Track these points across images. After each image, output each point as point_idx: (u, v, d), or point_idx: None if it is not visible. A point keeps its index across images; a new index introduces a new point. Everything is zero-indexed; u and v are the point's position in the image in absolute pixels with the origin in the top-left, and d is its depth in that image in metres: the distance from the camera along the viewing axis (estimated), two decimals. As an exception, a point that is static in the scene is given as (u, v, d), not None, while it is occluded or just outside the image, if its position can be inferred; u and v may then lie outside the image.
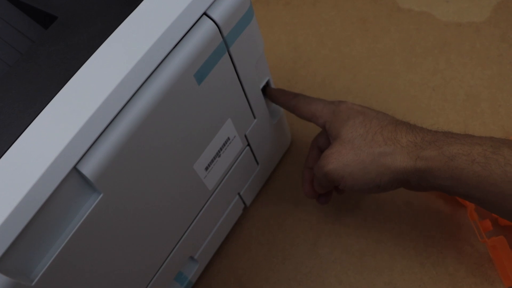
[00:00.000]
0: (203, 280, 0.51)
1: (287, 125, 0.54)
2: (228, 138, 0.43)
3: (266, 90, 0.47)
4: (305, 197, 0.53)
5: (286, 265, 0.51)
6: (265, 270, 0.51)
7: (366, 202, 0.52)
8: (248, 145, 0.47)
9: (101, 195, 0.32)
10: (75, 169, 0.30)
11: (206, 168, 0.42)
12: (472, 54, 0.59)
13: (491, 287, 0.45)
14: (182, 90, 0.34)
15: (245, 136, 0.46)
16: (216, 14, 0.35)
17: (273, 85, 0.48)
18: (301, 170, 0.55)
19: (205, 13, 0.35)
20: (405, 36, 0.62)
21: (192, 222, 0.44)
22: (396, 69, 0.60)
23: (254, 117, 0.46)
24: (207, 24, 0.35)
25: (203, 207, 0.45)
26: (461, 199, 0.49)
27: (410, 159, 0.36)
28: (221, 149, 0.43)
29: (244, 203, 0.52)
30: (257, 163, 0.51)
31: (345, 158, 0.39)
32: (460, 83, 0.57)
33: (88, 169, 0.30)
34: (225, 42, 0.37)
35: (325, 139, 0.45)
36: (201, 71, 0.35)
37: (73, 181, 0.31)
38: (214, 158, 0.42)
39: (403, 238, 0.49)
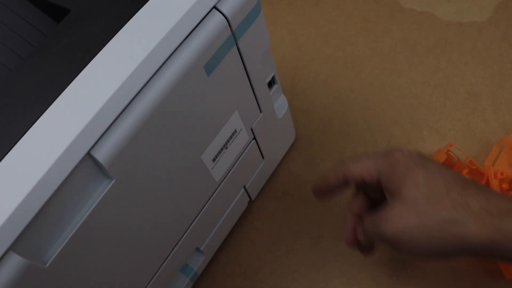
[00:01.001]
0: (208, 273, 0.52)
1: (292, 121, 0.55)
2: (235, 131, 0.44)
3: (313, 191, 0.44)
4: (310, 192, 0.54)
5: (290, 257, 0.51)
6: (270, 263, 0.51)
7: (369, 197, 0.53)
8: (254, 138, 0.48)
9: (113, 181, 0.33)
10: (88, 154, 0.31)
11: (214, 160, 0.43)
12: (473, 53, 0.60)
13: (491, 280, 0.46)
14: (192, 81, 0.35)
15: (251, 129, 0.47)
16: (225, 7, 0.36)
17: (278, 81, 0.49)
18: (304, 166, 0.56)
19: (214, 7, 0.36)
20: (406, 35, 0.63)
21: (199, 213, 0.45)
22: (398, 68, 0.61)
23: (260, 111, 0.47)
24: (216, 17, 0.36)
25: (210, 198, 0.45)
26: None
27: (485, 230, 0.32)
28: (228, 141, 0.44)
29: (249, 196, 0.53)
30: (263, 157, 0.51)
31: (407, 222, 0.34)
32: (461, 82, 0.58)
33: (102, 154, 0.31)
34: (233, 35, 0.38)
35: (375, 188, 0.39)
36: (210, 63, 0.36)
37: (86, 167, 0.32)
38: (221, 149, 0.43)
39: (406, 231, 0.50)
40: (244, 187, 0.51)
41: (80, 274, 0.35)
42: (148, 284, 0.44)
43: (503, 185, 0.49)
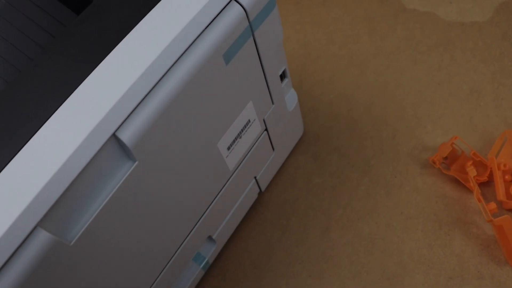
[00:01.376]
0: (219, 262, 0.53)
1: (301, 115, 0.56)
2: (249, 121, 0.45)
3: None
4: (318, 185, 0.56)
5: (299, 247, 0.53)
6: (279, 253, 0.53)
7: (375, 189, 0.54)
8: (266, 130, 0.49)
9: (136, 163, 0.34)
10: (114, 136, 0.33)
11: (228, 148, 0.44)
12: (475, 52, 0.62)
13: (497, 267, 0.48)
14: (212, 68, 0.37)
15: (264, 120, 0.48)
16: (244, -1, 0.37)
17: (289, 75, 0.50)
18: (312, 159, 0.58)
19: (234, -2, 0.37)
20: (410, 34, 0.65)
21: (213, 200, 0.46)
22: (402, 66, 0.63)
23: (273, 103, 0.48)
24: (235, 8, 0.37)
25: (223, 186, 0.47)
26: (468, 184, 0.51)
27: None
28: (242, 130, 0.45)
29: (259, 187, 0.54)
30: (273, 149, 0.53)
31: None
32: (464, 79, 0.60)
33: (126, 136, 0.33)
34: (250, 26, 0.39)
35: None
36: (229, 52, 0.38)
37: (111, 148, 0.33)
38: (236, 139, 0.45)
39: (412, 222, 0.52)
40: (255, 178, 0.52)
41: (101, 254, 0.36)
42: (162, 271, 0.45)
43: (506, 176, 0.50)
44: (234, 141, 0.45)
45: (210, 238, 0.50)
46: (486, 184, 0.52)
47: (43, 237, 0.31)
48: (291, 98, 0.53)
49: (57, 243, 0.32)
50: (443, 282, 0.48)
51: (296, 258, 0.52)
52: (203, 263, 0.50)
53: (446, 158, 0.54)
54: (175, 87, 0.34)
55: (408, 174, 0.55)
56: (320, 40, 0.67)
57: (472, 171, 0.49)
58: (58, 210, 0.32)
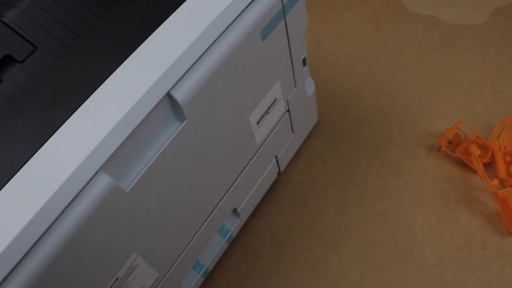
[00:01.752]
0: (241, 237, 0.56)
1: (316, 103, 0.61)
2: (276, 99, 0.50)
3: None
4: (332, 167, 0.60)
5: (317, 223, 0.56)
6: (298, 228, 0.56)
7: (386, 171, 0.58)
8: (288, 111, 0.54)
9: (185, 121, 0.38)
10: (168, 94, 0.36)
11: (258, 122, 0.48)
12: (474, 51, 0.67)
13: (501, 238, 0.52)
14: (251, 41, 0.41)
15: (287, 102, 0.52)
16: (279, -17, 0.42)
17: (308, 62, 0.54)
18: (327, 144, 0.62)
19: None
20: (413, 35, 0.70)
21: (242, 172, 0.50)
22: (407, 62, 0.68)
23: (295, 85, 0.53)
24: (272, -10, 0.42)
25: (251, 160, 0.50)
26: (471, 165, 0.56)
27: None
28: (269, 107, 0.49)
29: (278, 168, 0.58)
30: (292, 131, 0.57)
31: None
32: (464, 74, 0.65)
33: (180, 95, 0.36)
34: (283, 9, 0.44)
35: None
36: (265, 30, 0.42)
37: (165, 105, 0.37)
38: (264, 114, 0.49)
39: (421, 199, 0.56)
40: (276, 157, 0.56)
41: (149, 205, 0.39)
42: (194, 236, 0.48)
43: (506, 157, 0.55)
44: (262, 117, 0.49)
45: (234, 211, 0.53)
46: (488, 166, 0.56)
47: (104, 180, 0.34)
48: (309, 85, 0.58)
49: (115, 188, 0.35)
50: (451, 252, 0.52)
51: (314, 233, 0.56)
52: (227, 235, 0.53)
53: (450, 142, 0.58)
54: (223, 54, 0.38)
55: (416, 157, 0.59)
56: (330, 39, 0.72)
57: (476, 151, 0.54)
58: (118, 158, 0.35)
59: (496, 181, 0.52)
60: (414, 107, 0.63)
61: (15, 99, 0.38)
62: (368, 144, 0.61)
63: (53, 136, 0.34)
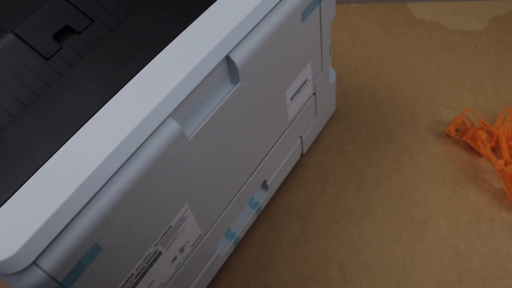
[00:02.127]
0: (268, 211, 0.60)
1: (335, 93, 0.66)
2: (306, 80, 0.55)
3: None
4: (350, 151, 0.65)
5: (338, 199, 0.61)
6: (321, 204, 0.60)
7: (400, 154, 0.63)
8: (314, 94, 0.59)
9: (239, 84, 0.43)
10: (227, 57, 0.41)
11: (291, 98, 0.53)
12: (475, 53, 0.74)
13: (507, 212, 0.57)
14: (293, 21, 0.46)
15: (315, 85, 0.57)
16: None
17: (331, 52, 0.60)
18: (344, 131, 0.67)
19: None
20: (420, 38, 0.77)
21: (274, 145, 0.54)
22: (415, 62, 0.74)
23: (322, 70, 0.58)
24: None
25: (282, 134, 0.55)
26: (478, 149, 0.61)
27: None
28: (301, 86, 0.54)
29: (302, 149, 0.62)
30: (316, 114, 0.62)
31: None
32: (467, 73, 0.72)
33: (238, 58, 0.41)
34: (319, -5, 0.49)
35: None
36: (305, 11, 0.48)
37: (223, 67, 0.41)
38: (296, 93, 0.54)
39: (433, 179, 0.61)
40: (301, 138, 0.61)
41: (205, 156, 0.43)
42: (229, 204, 0.52)
43: (510, 142, 0.61)
44: (295, 94, 0.54)
45: (264, 184, 0.57)
46: (493, 150, 0.62)
47: (172, 126, 0.38)
48: (331, 74, 0.63)
49: (181, 135, 0.39)
50: (462, 225, 0.57)
51: (336, 208, 0.60)
52: (256, 207, 0.57)
53: (458, 130, 0.64)
54: (275, 24, 0.44)
55: (426, 143, 0.64)
56: (343, 40, 0.79)
57: (483, 134, 0.60)
58: (183, 109, 0.39)
59: (502, 161, 0.58)
60: (423, 100, 0.69)
61: (75, 64, 0.42)
62: (383, 132, 0.66)
63: (124, 88, 0.38)
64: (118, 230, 0.36)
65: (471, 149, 0.63)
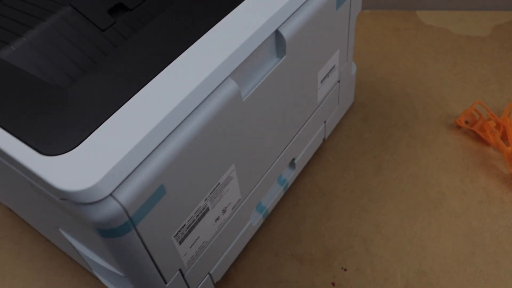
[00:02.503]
0: (293, 190, 0.64)
1: (354, 85, 0.71)
2: (334, 66, 0.60)
3: None
4: (368, 138, 0.69)
5: (358, 180, 0.65)
6: (342, 184, 0.65)
7: (414, 142, 0.68)
8: (339, 81, 0.63)
9: (285, 57, 0.47)
10: (277, 31, 0.46)
11: (321, 81, 0.58)
12: (480, 55, 0.80)
13: (511, 193, 0.62)
14: (329, 7, 0.51)
15: (340, 72, 0.62)
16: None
17: (353, 46, 0.65)
18: (361, 121, 0.72)
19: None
20: (429, 41, 0.83)
21: (304, 124, 0.59)
22: (426, 61, 0.80)
23: (346, 60, 0.63)
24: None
25: (311, 115, 0.59)
26: (487, 139, 0.66)
27: None
28: (330, 71, 0.59)
29: (324, 133, 0.67)
30: (338, 102, 0.66)
31: None
32: (474, 72, 0.77)
33: (286, 32, 0.46)
34: (350, -13, 0.55)
35: None
36: (339, 0, 0.53)
37: (273, 40, 0.46)
38: (325, 76, 0.58)
39: (445, 164, 0.65)
40: (325, 122, 0.65)
41: (254, 118, 0.47)
42: (263, 176, 0.55)
43: (516, 132, 0.66)
44: (324, 78, 0.58)
45: (292, 163, 0.62)
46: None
47: (231, 85, 0.42)
48: (353, 66, 0.68)
49: (237, 95, 0.42)
50: (474, 204, 0.61)
51: (357, 187, 0.64)
52: (284, 184, 0.61)
53: (467, 122, 0.69)
54: (316, 6, 0.48)
55: (438, 132, 0.69)
56: (358, 41, 0.84)
57: (492, 123, 0.65)
58: (241, 71, 0.43)
59: (510, 148, 0.63)
60: (434, 95, 0.74)
61: (130, 37, 0.46)
62: (398, 122, 0.71)
63: (186, 51, 0.42)
64: (179, 176, 0.40)
65: (479, 139, 0.68)
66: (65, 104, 0.38)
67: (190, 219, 0.44)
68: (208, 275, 0.53)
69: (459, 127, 0.70)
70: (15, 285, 0.60)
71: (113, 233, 0.36)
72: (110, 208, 0.35)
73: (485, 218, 0.60)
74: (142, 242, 0.39)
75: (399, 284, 0.55)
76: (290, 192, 0.65)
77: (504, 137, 0.67)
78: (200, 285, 0.52)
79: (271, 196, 0.60)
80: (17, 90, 0.40)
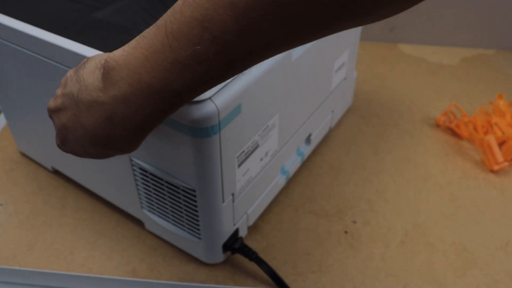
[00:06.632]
0: (307, 164, 0.77)
1: (353, 89, 0.86)
2: (344, 63, 0.75)
3: None
4: (366, 131, 0.83)
5: (360, 161, 0.78)
6: (347, 162, 0.77)
7: (403, 135, 0.83)
8: (345, 79, 0.78)
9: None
10: None
11: (336, 71, 0.72)
12: (451, 78, 0.98)
13: (486, 174, 0.76)
14: None
15: (347, 70, 0.77)
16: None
17: (356, 54, 0.81)
18: (360, 119, 0.86)
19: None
20: (410, 66, 1.01)
21: (319, 107, 0.72)
22: (408, 80, 0.97)
23: (352, 62, 0.78)
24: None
25: (324, 100, 0.73)
26: (462, 134, 0.82)
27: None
28: (341, 65, 0.74)
29: (331, 123, 0.81)
30: (343, 98, 0.81)
31: None
32: (447, 89, 0.95)
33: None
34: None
35: None
36: None
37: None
38: (337, 69, 0.73)
39: (430, 151, 0.80)
40: (332, 111, 0.79)
41: (297, 77, 0.60)
42: (290, 138, 0.68)
43: (484, 129, 0.82)
44: (337, 69, 0.73)
45: (308, 138, 0.74)
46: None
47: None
48: (354, 71, 0.83)
49: (289, 55, 0.56)
50: (455, 180, 0.75)
51: (359, 164, 0.77)
52: (301, 156, 0.74)
53: (444, 121, 0.85)
54: None
55: (422, 129, 0.84)
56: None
57: (466, 119, 0.81)
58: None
59: (480, 136, 0.78)
60: (417, 103, 0.90)
61: None
62: (389, 120, 0.86)
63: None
64: (250, 103, 0.52)
65: (455, 134, 0.83)
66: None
67: (246, 148, 0.56)
68: (245, 215, 0.63)
69: (438, 125, 0.85)
70: (62, 231, 0.68)
71: (204, 133, 0.47)
72: (209, 108, 0.46)
73: (464, 189, 0.74)
74: (220, 150, 0.50)
75: (400, 232, 0.67)
76: (304, 166, 0.77)
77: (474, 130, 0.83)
78: (239, 221, 0.62)
79: (292, 163, 0.72)
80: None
